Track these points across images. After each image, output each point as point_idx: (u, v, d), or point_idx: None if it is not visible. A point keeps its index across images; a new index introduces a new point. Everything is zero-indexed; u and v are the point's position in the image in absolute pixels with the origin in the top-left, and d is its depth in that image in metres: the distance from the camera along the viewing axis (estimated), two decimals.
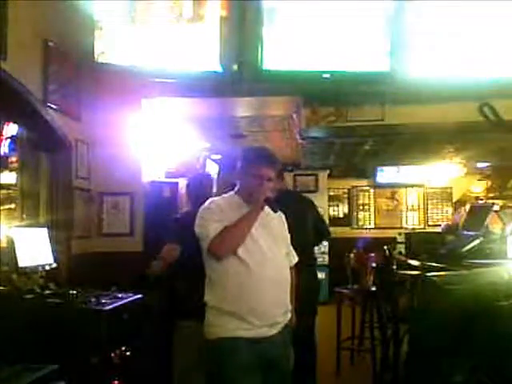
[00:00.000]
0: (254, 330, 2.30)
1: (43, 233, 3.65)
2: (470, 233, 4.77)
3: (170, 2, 4.25)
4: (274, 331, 2.36)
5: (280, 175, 3.95)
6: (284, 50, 4.48)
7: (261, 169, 2.44)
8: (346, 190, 11.08)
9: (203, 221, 2.42)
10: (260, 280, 2.32)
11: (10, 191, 3.97)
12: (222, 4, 4.32)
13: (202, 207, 2.50)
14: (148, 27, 4.21)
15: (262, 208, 2.41)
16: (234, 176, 2.59)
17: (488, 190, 9.93)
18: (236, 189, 2.57)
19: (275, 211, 2.48)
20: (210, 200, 2.54)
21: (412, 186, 10.81)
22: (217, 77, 4.41)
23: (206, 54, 4.35)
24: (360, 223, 11.00)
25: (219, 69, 4.34)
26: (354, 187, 11.06)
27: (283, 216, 2.63)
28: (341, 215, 11.04)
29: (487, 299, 2.86)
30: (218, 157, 7.44)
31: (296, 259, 2.66)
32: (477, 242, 4.40)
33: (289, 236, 2.64)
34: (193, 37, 4.29)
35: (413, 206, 10.97)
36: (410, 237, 6.05)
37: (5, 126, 3.71)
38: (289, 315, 2.48)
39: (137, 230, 4.68)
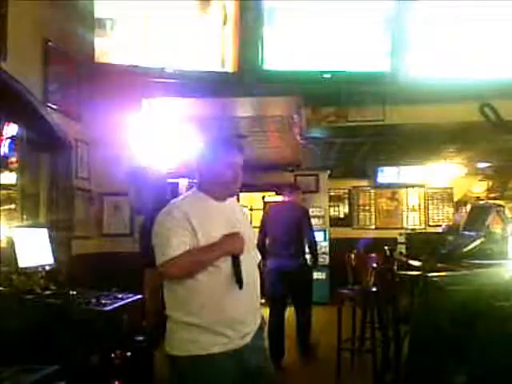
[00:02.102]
0: (230, 343, 2.10)
1: (43, 233, 3.64)
2: (470, 233, 4.76)
3: (172, 2, 4.26)
4: (247, 340, 2.17)
5: (295, 189, 5.65)
6: (284, 50, 4.49)
7: (235, 156, 2.22)
8: (346, 191, 11.06)
9: (164, 230, 2.11)
10: (236, 288, 2.11)
11: (10, 191, 3.97)
12: (224, 5, 4.32)
13: (164, 212, 2.17)
14: (150, 27, 4.21)
15: (241, 253, 2.14)
16: (201, 169, 2.27)
17: (489, 190, 9.92)
18: (199, 184, 2.27)
19: (240, 285, 2.13)
20: (173, 204, 2.21)
21: (413, 186, 10.80)
22: (217, 77, 4.41)
23: (207, 54, 4.35)
24: (361, 223, 10.98)
25: (220, 69, 4.34)
26: (354, 187, 11.04)
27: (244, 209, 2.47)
28: (341, 215, 11.02)
29: (488, 300, 2.85)
30: None
31: (259, 257, 2.41)
32: (478, 242, 4.38)
33: (253, 232, 2.46)
34: (194, 37, 4.29)
35: (413, 206, 10.95)
36: (411, 237, 6.04)
37: (5, 126, 3.70)
38: (259, 317, 2.30)
39: (137, 230, 4.67)
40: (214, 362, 2.08)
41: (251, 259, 2.27)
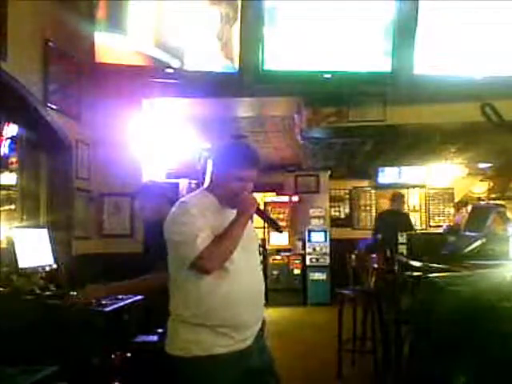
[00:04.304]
0: (233, 345, 2.11)
1: (43, 233, 3.64)
2: (471, 234, 4.75)
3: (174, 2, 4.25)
4: (250, 341, 2.17)
5: (399, 198, 7.28)
6: (285, 51, 4.48)
7: (249, 172, 2.20)
8: (347, 191, 11.05)
9: (184, 227, 2.07)
10: (244, 291, 2.13)
11: (10, 192, 3.96)
12: (225, 5, 4.31)
13: (179, 210, 2.14)
14: (150, 27, 4.20)
15: (251, 217, 2.19)
16: (213, 173, 2.25)
17: (490, 190, 9.89)
18: (208, 185, 2.27)
19: (278, 229, 2.37)
20: (185, 202, 2.18)
21: (413, 186, 10.78)
22: (218, 77, 4.41)
23: (207, 54, 4.35)
24: (361, 224, 10.96)
25: (221, 69, 4.34)
26: (355, 188, 11.03)
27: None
28: (342, 216, 11.01)
29: (489, 300, 2.84)
30: None
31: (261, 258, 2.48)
32: (479, 242, 4.37)
33: (256, 234, 2.45)
34: (196, 37, 4.29)
35: (414, 206, 10.94)
36: (412, 238, 6.02)
37: (5, 127, 3.70)
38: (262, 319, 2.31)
39: (137, 231, 4.66)
40: (216, 363, 2.09)
41: (259, 263, 2.30)
